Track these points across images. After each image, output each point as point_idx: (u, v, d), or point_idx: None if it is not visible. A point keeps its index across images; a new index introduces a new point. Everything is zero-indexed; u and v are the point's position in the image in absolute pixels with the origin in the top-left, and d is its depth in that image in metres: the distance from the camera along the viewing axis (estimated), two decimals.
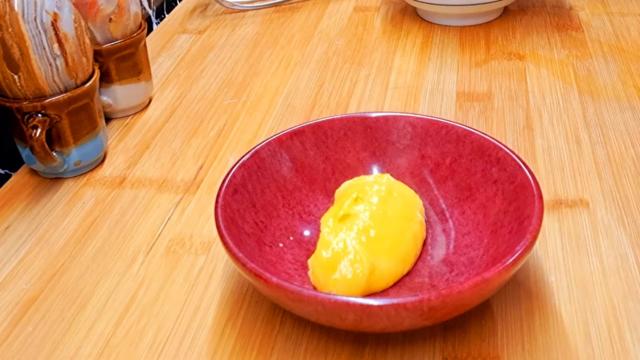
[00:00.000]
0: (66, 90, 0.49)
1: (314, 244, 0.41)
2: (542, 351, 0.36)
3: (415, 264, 0.41)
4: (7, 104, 0.48)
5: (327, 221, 0.40)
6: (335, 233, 0.39)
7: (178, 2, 0.83)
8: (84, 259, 0.44)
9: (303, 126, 0.46)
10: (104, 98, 0.57)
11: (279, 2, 0.79)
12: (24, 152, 0.51)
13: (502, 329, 0.38)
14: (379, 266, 0.38)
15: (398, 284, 0.39)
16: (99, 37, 0.55)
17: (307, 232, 0.43)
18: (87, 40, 0.50)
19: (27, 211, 0.49)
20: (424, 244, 0.42)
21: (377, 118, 0.46)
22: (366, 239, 0.39)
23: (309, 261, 0.40)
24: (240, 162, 0.42)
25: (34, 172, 0.53)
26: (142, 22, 0.58)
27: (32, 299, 0.41)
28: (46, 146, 0.48)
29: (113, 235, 0.46)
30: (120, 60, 0.56)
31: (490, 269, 0.33)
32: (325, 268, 0.38)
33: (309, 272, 0.40)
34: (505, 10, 0.73)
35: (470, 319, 0.38)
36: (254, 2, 0.79)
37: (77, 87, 0.49)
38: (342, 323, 0.34)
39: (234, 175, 0.42)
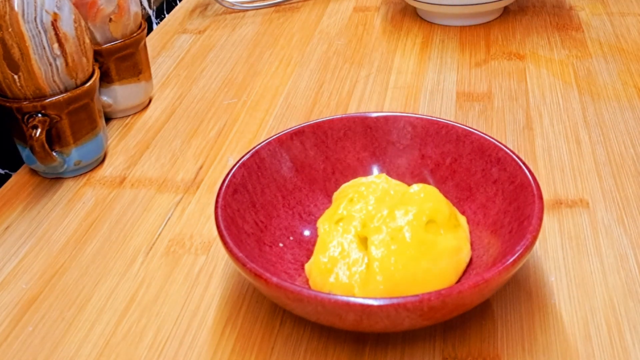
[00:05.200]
0: (66, 90, 0.49)
1: (314, 244, 0.41)
2: (542, 351, 0.36)
3: None
4: (7, 104, 0.48)
5: (324, 224, 0.40)
6: (332, 236, 0.39)
7: (178, 2, 0.83)
8: (84, 259, 0.44)
9: (303, 126, 0.46)
10: (104, 98, 0.57)
11: (279, 2, 0.79)
12: (24, 152, 0.51)
13: (502, 329, 0.38)
14: None
15: None
16: (99, 37, 0.55)
17: (307, 232, 0.43)
18: (87, 40, 0.50)
19: (27, 211, 0.49)
20: None
21: (377, 118, 0.46)
22: None
23: (306, 266, 0.40)
24: (240, 162, 0.42)
25: (34, 172, 0.53)
26: (142, 22, 0.58)
27: (32, 299, 0.41)
28: (46, 146, 0.48)
29: (113, 235, 0.46)
30: (120, 60, 0.56)
31: (490, 269, 0.33)
32: (323, 272, 0.38)
33: (306, 273, 0.40)
34: (505, 10, 0.73)
35: (470, 319, 0.38)
36: (254, 2, 0.79)
37: (77, 87, 0.49)
38: (342, 323, 0.34)
39: (234, 175, 0.42)
